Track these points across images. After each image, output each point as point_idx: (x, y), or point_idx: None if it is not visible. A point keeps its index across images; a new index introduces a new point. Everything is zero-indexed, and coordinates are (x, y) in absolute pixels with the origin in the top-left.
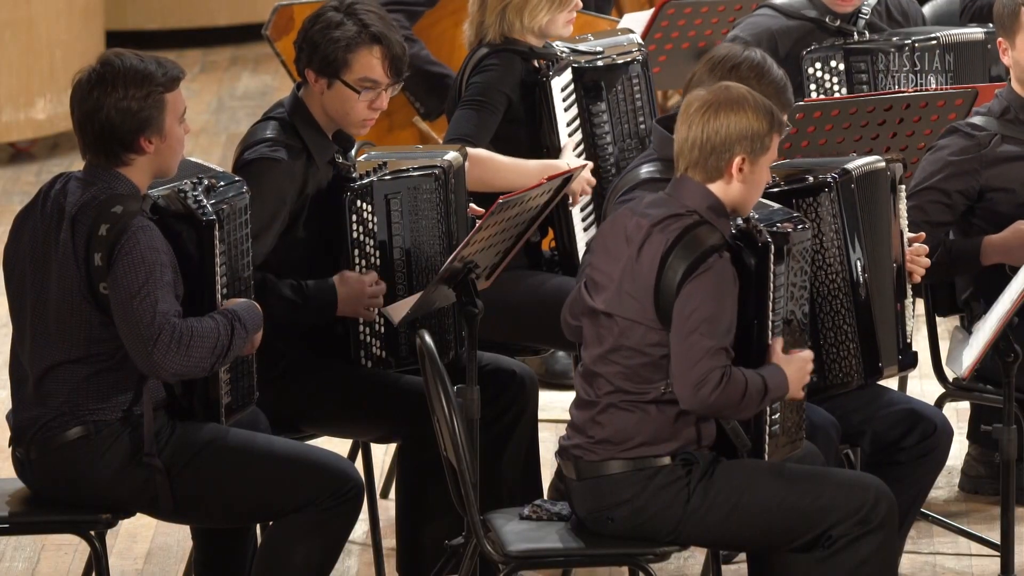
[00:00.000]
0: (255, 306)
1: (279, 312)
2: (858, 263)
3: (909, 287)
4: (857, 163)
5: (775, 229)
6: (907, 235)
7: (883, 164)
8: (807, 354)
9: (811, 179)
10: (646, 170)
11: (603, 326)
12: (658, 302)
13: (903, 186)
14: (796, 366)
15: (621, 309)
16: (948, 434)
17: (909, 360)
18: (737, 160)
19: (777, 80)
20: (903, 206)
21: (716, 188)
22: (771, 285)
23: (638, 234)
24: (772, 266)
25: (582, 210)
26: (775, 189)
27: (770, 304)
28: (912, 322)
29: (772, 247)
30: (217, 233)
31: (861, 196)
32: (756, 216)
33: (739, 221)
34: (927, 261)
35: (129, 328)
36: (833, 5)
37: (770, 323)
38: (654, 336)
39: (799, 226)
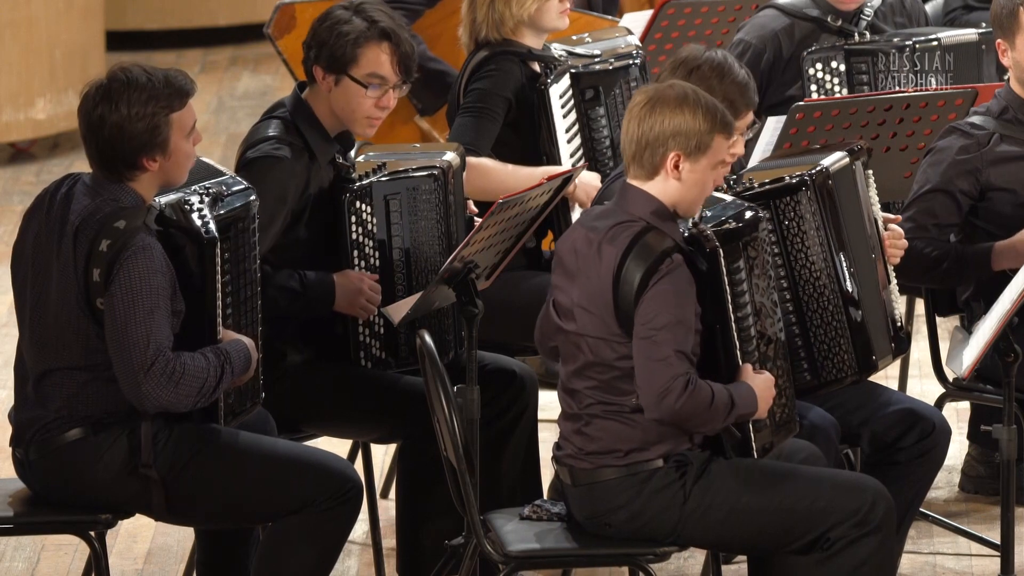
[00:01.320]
0: (247, 348)
1: (279, 301)
2: (842, 257)
3: (891, 271)
4: (831, 159)
5: (726, 227)
6: (880, 218)
7: (849, 159)
8: (769, 376)
9: (788, 179)
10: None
11: (573, 344)
12: (619, 315)
13: (870, 171)
14: (762, 384)
15: (585, 327)
16: (946, 433)
17: (902, 346)
18: (672, 156)
19: (739, 79)
20: (873, 192)
21: (655, 187)
22: (726, 287)
23: (589, 249)
24: (725, 267)
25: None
26: (752, 191)
27: (729, 306)
28: (899, 305)
29: (721, 251)
30: (219, 251)
31: (838, 190)
32: (708, 214)
33: (689, 224)
34: (905, 243)
35: (121, 355)
36: (837, 3)
37: (733, 323)
38: (622, 349)
39: (750, 219)
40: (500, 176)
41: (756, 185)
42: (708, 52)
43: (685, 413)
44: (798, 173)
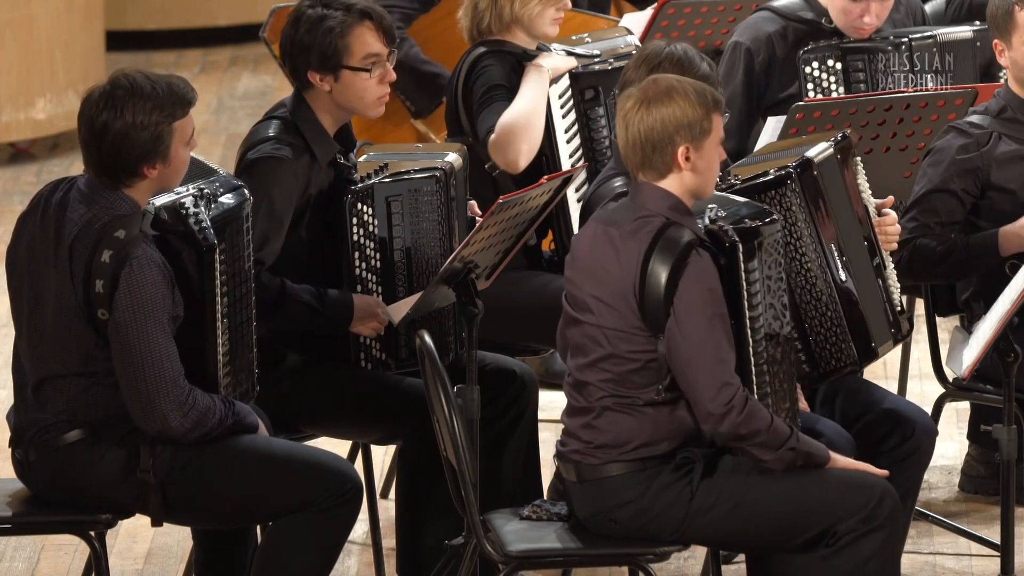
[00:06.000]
0: (255, 419)
1: (298, 318)
2: (833, 247)
3: (887, 256)
4: (815, 150)
5: (743, 225)
6: (873, 205)
7: (833, 148)
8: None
9: (773, 173)
10: (618, 184)
11: (588, 336)
12: (643, 308)
13: (858, 158)
14: (843, 463)
15: (603, 320)
16: (930, 434)
17: (902, 331)
18: (681, 150)
19: (702, 73)
20: (862, 179)
21: (671, 183)
22: (744, 283)
23: (607, 244)
24: (743, 264)
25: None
26: (739, 187)
27: (745, 302)
28: (897, 290)
29: (740, 246)
30: (218, 257)
31: (824, 181)
32: (723, 214)
33: (706, 220)
34: (898, 228)
35: (132, 376)
36: (847, 31)
37: (748, 320)
38: (642, 342)
39: (766, 219)
40: (527, 120)
41: (741, 181)
42: (668, 47)
43: (745, 427)
44: (782, 166)
